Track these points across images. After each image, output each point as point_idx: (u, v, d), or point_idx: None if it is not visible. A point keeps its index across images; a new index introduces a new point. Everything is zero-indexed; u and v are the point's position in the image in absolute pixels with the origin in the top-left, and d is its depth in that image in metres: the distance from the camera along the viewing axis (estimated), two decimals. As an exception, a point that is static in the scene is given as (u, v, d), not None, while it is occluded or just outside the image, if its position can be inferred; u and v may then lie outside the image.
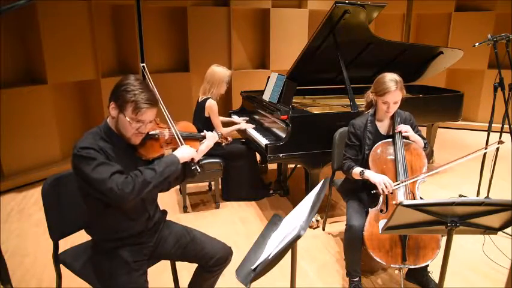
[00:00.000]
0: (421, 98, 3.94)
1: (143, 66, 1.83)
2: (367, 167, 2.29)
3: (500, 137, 3.05)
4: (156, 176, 1.55)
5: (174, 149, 1.82)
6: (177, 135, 1.79)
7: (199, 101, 3.37)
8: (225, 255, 1.82)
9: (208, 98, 3.28)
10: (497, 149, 3.08)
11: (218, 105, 3.32)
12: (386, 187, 2.11)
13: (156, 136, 1.73)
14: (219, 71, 3.31)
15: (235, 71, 5.67)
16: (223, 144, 2.09)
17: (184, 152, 1.70)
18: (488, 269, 2.53)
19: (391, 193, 2.15)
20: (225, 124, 3.56)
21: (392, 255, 2.06)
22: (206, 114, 3.29)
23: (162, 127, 1.79)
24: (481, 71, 5.97)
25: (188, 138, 1.87)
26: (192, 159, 1.74)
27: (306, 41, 3.97)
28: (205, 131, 1.97)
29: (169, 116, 1.83)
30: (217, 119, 3.30)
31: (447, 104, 3.96)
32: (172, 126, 1.80)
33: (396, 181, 2.16)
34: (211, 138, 1.93)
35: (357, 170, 2.28)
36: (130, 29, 4.99)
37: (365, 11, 3.06)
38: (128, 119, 1.54)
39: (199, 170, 1.74)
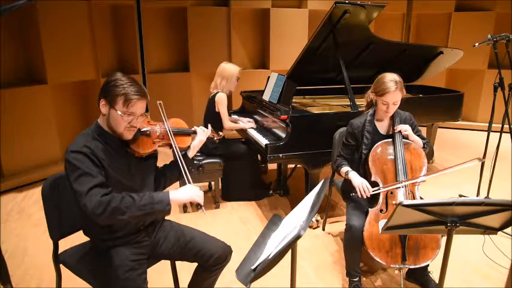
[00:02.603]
0: (421, 98, 3.94)
1: (160, 104, 1.82)
2: (365, 166, 2.31)
3: (500, 137, 3.06)
4: (133, 208, 1.48)
5: (167, 145, 1.82)
6: (169, 131, 1.79)
7: (210, 97, 3.41)
8: (224, 254, 1.82)
9: (218, 92, 3.33)
10: (497, 149, 3.09)
11: None
12: (364, 191, 2.16)
13: (148, 132, 1.74)
14: (230, 66, 3.39)
15: (235, 71, 5.67)
16: (216, 139, 2.09)
17: (182, 194, 1.59)
18: (488, 269, 2.53)
19: (368, 196, 2.18)
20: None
21: (392, 255, 2.07)
22: (217, 109, 3.32)
23: (153, 124, 1.79)
24: (481, 71, 5.96)
25: (179, 134, 1.87)
26: (198, 203, 1.61)
27: (306, 41, 3.96)
28: (195, 126, 1.96)
29: (163, 109, 1.82)
30: (225, 111, 3.34)
31: (447, 104, 3.96)
32: (165, 121, 1.80)
33: (396, 181, 2.17)
34: (202, 133, 1.93)
35: (344, 169, 2.34)
36: (130, 29, 4.99)
37: (365, 11, 3.06)
38: (120, 113, 1.55)
39: (205, 212, 1.63)
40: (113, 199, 1.47)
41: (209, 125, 2.03)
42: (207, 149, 3.28)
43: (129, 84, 1.55)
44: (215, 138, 2.09)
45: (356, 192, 2.20)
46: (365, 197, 2.17)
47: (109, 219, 1.47)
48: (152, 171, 1.83)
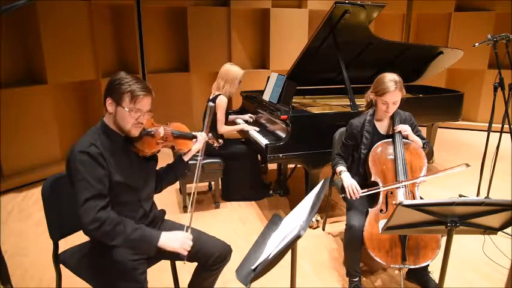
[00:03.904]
0: (421, 98, 3.94)
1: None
2: (364, 166, 2.32)
3: (500, 137, 3.06)
4: (122, 238, 1.51)
5: (170, 147, 1.87)
6: (172, 133, 1.84)
7: (211, 98, 3.40)
8: (224, 253, 1.83)
9: (220, 95, 3.31)
10: (497, 149, 3.09)
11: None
12: (354, 193, 2.18)
13: (152, 133, 1.77)
14: (233, 69, 3.37)
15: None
16: (215, 145, 2.11)
17: (171, 243, 1.59)
18: (488, 269, 2.53)
19: (357, 198, 2.21)
20: (231, 123, 3.58)
21: (392, 255, 2.07)
22: (215, 110, 3.32)
23: (157, 126, 1.83)
24: (481, 71, 5.96)
25: (181, 137, 1.91)
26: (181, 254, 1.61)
27: (306, 41, 3.97)
28: (195, 132, 1.99)
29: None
30: (222, 115, 3.33)
31: (447, 104, 3.96)
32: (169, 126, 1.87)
33: (396, 181, 2.18)
34: (201, 140, 1.96)
35: (338, 169, 2.37)
36: (130, 29, 4.99)
37: (365, 11, 3.06)
38: (127, 109, 1.57)
39: (185, 262, 1.64)
40: (108, 221, 1.49)
41: (210, 134, 2.05)
42: (207, 149, 3.27)
43: (134, 82, 1.58)
44: (215, 144, 2.11)
45: (345, 193, 2.23)
46: (354, 198, 2.20)
47: (97, 237, 1.51)
48: (153, 173, 1.86)
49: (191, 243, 1.63)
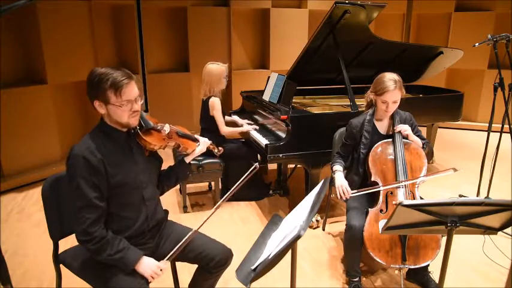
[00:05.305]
0: (421, 98, 3.94)
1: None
2: (364, 165, 2.32)
3: (500, 137, 3.07)
4: (104, 256, 1.55)
5: (176, 146, 1.87)
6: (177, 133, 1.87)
7: (204, 100, 3.39)
8: (225, 257, 1.82)
9: (211, 96, 3.30)
10: (497, 149, 3.09)
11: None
12: (344, 193, 2.20)
13: (159, 128, 1.79)
14: (215, 68, 3.31)
15: (235, 71, 5.67)
16: (216, 151, 2.11)
17: (144, 268, 1.62)
18: (488, 269, 2.53)
19: (347, 199, 2.23)
20: (228, 124, 3.57)
21: (392, 255, 2.06)
22: (211, 113, 3.31)
23: (163, 124, 1.84)
24: (481, 71, 5.97)
25: (185, 137, 1.93)
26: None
27: (306, 41, 3.97)
28: (199, 136, 2.00)
29: None
30: (220, 117, 3.30)
31: (447, 104, 3.96)
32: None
33: (396, 180, 2.18)
34: (203, 144, 1.97)
35: (334, 168, 2.38)
36: (130, 29, 5.00)
37: (365, 11, 3.06)
38: (117, 105, 1.55)
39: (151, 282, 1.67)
40: (95, 239, 1.53)
41: (211, 140, 2.06)
42: (207, 149, 3.27)
43: (110, 74, 1.52)
44: (215, 151, 2.11)
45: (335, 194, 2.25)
46: (344, 199, 2.21)
47: (84, 246, 1.57)
48: (157, 172, 1.85)
49: (161, 274, 1.65)
